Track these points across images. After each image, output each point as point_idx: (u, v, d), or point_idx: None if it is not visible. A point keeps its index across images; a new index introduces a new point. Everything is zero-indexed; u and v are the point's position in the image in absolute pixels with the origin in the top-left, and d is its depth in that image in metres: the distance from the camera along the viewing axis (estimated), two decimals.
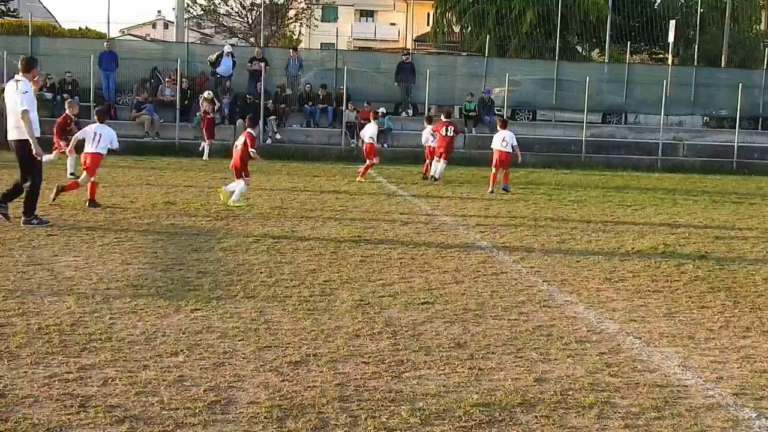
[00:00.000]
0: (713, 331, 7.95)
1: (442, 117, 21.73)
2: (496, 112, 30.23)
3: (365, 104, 28.51)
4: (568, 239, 12.97)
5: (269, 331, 7.27)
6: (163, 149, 25.24)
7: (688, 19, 42.62)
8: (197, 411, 5.43)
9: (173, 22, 46.60)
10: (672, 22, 36.45)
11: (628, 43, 37.35)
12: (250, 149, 15.17)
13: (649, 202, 18.14)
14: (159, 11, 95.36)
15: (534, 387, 6.18)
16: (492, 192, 18.69)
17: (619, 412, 5.75)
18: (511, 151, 19.15)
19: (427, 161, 21.23)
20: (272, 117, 27.52)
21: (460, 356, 6.82)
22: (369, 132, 20.93)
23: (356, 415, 5.50)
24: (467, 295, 8.94)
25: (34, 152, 11.85)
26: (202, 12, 54.91)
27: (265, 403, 5.62)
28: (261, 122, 26.49)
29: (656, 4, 47.46)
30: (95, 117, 15.53)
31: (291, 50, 31.56)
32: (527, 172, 23.42)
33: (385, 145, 27.50)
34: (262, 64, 28.16)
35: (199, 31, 57.87)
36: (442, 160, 20.58)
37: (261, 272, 9.63)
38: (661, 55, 47.25)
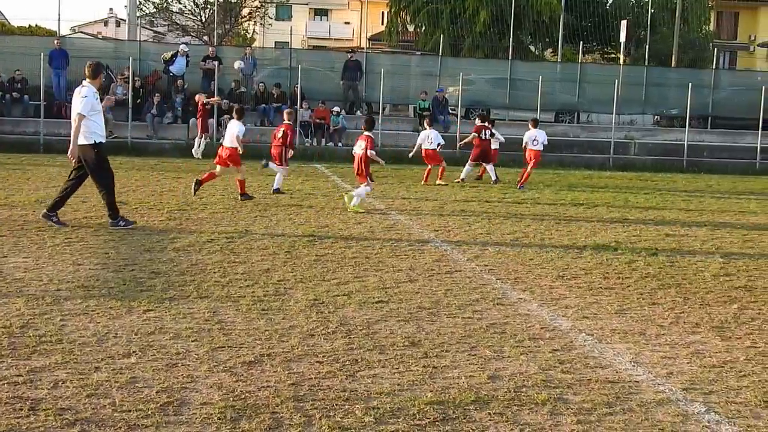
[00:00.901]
0: (664, 327, 8.06)
1: (478, 121, 21.80)
2: (451, 111, 30.38)
3: (320, 103, 28.46)
4: (522, 237, 13.06)
5: (223, 332, 7.23)
6: (115, 148, 24.91)
7: (639, 20, 43.08)
8: (149, 413, 5.38)
9: (125, 20, 46.15)
10: (623, 22, 36.79)
11: (581, 42, 37.70)
12: (369, 151, 15.35)
13: (601, 200, 18.32)
14: (111, 9, 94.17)
15: (487, 384, 6.21)
16: (522, 188, 19.78)
17: (572, 408, 5.81)
18: (541, 149, 20.64)
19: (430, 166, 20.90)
20: (226, 116, 27.32)
21: (415, 354, 6.84)
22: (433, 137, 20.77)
23: (310, 415, 5.49)
24: (421, 294, 8.96)
25: (68, 154, 12.16)
26: (154, 10, 54.34)
27: (218, 403, 5.59)
28: (215, 121, 26.33)
29: (608, 5, 47.90)
30: (234, 114, 16.49)
31: (245, 48, 31.41)
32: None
33: (340, 144, 27.47)
34: (216, 63, 27.98)
35: (151, 29, 57.28)
36: (470, 163, 21.15)
37: (214, 272, 9.57)
38: (613, 55, 47.70)
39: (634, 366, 6.82)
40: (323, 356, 6.68)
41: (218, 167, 16.01)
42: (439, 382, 6.22)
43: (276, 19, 62.46)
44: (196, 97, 25.67)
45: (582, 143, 30.47)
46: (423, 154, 20.66)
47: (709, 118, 33.60)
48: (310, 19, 77.43)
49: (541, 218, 15.16)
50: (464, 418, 5.56)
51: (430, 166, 20.57)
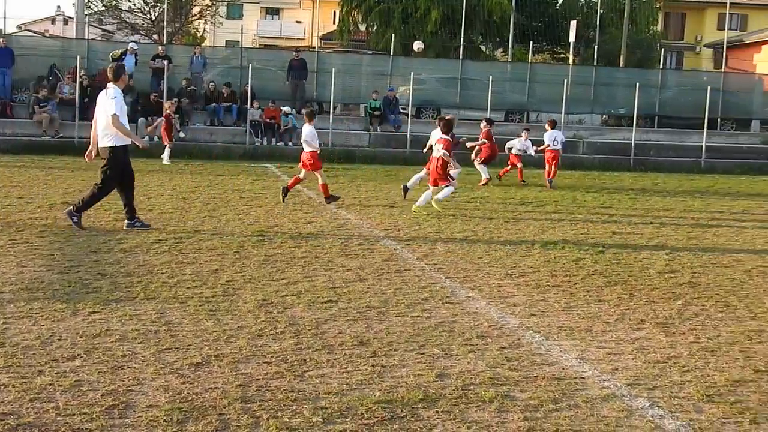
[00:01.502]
0: (609, 324, 8.15)
1: (484, 124, 21.88)
2: (401, 111, 30.44)
3: (270, 103, 28.35)
4: (471, 236, 13.13)
5: (170, 333, 7.17)
6: (61, 148, 24.59)
7: (588, 20, 43.55)
8: (94, 416, 5.33)
9: (73, 18, 45.49)
10: (573, 23, 37.17)
11: (531, 42, 37.97)
12: (443, 152, 15.48)
13: (549, 199, 18.47)
14: (58, 7, 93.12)
15: (435, 383, 6.24)
16: (551, 183, 20.91)
17: (519, 406, 5.85)
18: (560, 148, 21.70)
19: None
20: (176, 115, 27.10)
21: (363, 354, 6.85)
22: None
23: (258, 416, 5.47)
24: (371, 293, 8.97)
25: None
26: (103, 8, 53.76)
27: (164, 406, 5.55)
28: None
29: (558, 5, 48.34)
30: (305, 118, 16.69)
31: (195, 47, 31.17)
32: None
33: (290, 143, 27.40)
34: (165, 62, 27.74)
35: (100, 28, 56.72)
36: (481, 165, 21.05)
37: (162, 273, 9.49)
38: (563, 55, 48.17)
39: (580, 362, 6.90)
40: (271, 357, 6.66)
41: (303, 171, 16.47)
42: (388, 381, 6.24)
43: (227, 18, 62.07)
44: (166, 106, 25.26)
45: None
46: (550, 155, 21.48)
47: (656, 118, 34.05)
48: (262, 17, 77.05)
49: (491, 217, 15.25)
50: (412, 417, 5.58)
51: (548, 167, 21.34)
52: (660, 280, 10.33)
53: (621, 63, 41.84)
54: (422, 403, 5.83)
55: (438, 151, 15.74)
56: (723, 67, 43.27)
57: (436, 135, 18.50)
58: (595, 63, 37.93)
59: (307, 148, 16.32)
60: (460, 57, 34.82)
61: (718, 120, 33.83)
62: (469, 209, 16.26)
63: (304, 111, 17.63)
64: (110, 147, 12.04)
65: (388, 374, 6.39)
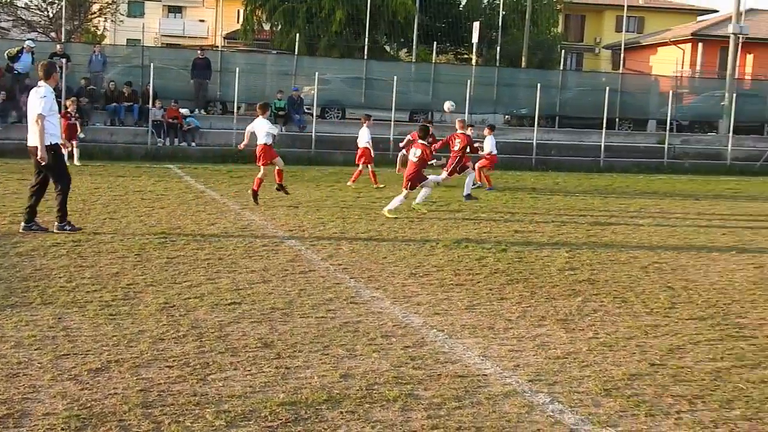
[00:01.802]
0: (511, 321, 8.28)
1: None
2: (306, 111, 30.36)
3: (173, 102, 27.94)
4: (376, 236, 13.17)
5: (68, 339, 7.01)
6: None
7: (491, 21, 44.11)
8: None
9: None
10: (476, 24, 37.60)
11: (435, 43, 38.31)
12: (432, 161, 15.95)
13: (453, 199, 18.66)
14: None
15: (340, 383, 6.24)
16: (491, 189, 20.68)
17: (422, 404, 5.90)
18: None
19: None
20: (77, 115, 26.46)
21: (267, 356, 6.81)
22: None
23: (159, 421, 5.39)
24: (275, 294, 8.93)
25: (39, 156, 11.73)
26: None
27: (62, 413, 5.42)
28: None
29: (461, 6, 48.84)
30: (257, 110, 16.73)
31: (95, 46, 30.52)
32: (337, 170, 23.60)
33: (193, 144, 27.07)
34: (64, 60, 27.07)
35: None
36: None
37: (60, 277, 9.27)
38: (466, 56, 48.67)
39: (482, 360, 6.99)
40: (173, 361, 6.57)
41: (261, 169, 16.44)
42: (292, 382, 6.22)
43: (128, 16, 60.83)
44: (66, 104, 24.53)
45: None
46: (492, 161, 21.63)
47: (557, 118, 34.71)
48: (164, 16, 75.83)
49: (395, 217, 15.32)
50: (316, 418, 5.57)
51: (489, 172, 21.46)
52: (560, 278, 10.54)
53: (523, 64, 42.51)
54: (326, 403, 5.83)
55: (415, 156, 15.82)
56: (621, 68, 44.37)
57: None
58: (497, 64, 38.45)
59: (259, 141, 16.31)
60: (365, 57, 34.90)
61: (617, 120, 34.66)
62: (375, 209, 16.31)
63: (258, 104, 17.60)
64: (49, 145, 11.75)
65: (293, 376, 6.37)
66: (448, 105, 22.03)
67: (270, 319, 7.95)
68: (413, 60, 40.71)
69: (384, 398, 5.97)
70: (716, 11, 63.97)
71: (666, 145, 32.38)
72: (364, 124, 21.02)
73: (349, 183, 20.38)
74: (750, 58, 49.46)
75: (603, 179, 25.98)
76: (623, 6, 45.83)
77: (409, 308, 8.65)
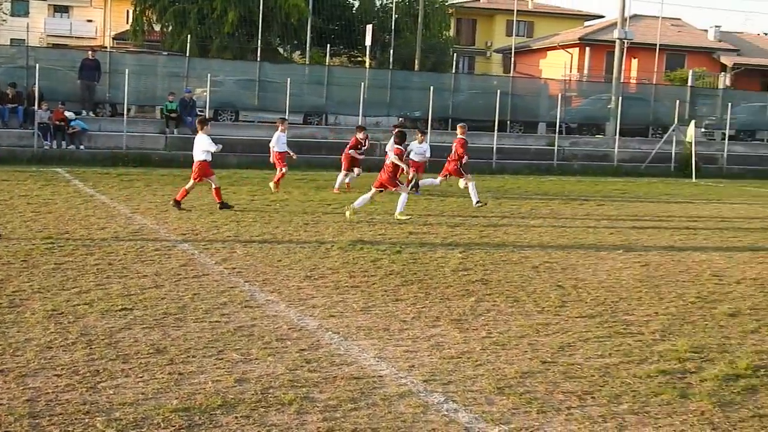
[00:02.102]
0: (406, 322, 8.34)
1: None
2: (198, 113, 29.96)
3: (59, 104, 27.20)
4: (271, 239, 13.09)
5: None
6: None
7: (384, 24, 44.41)
8: None
9: None
10: (369, 27, 37.81)
11: (328, 45, 38.32)
12: (393, 157, 15.98)
13: (348, 201, 18.64)
14: None
15: (235, 388, 6.18)
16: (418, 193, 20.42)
17: (318, 406, 5.89)
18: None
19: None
20: None
21: (160, 362, 6.69)
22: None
23: (47, 431, 5.24)
24: (168, 299, 8.78)
25: None
26: None
27: None
28: None
29: (354, 9, 49.01)
30: (197, 125, 16.62)
31: None
32: (231, 173, 23.35)
33: (81, 147, 26.42)
34: None
35: None
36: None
37: None
38: (360, 58, 48.89)
39: (378, 361, 7.01)
40: (62, 369, 6.40)
41: (191, 181, 16.18)
42: (186, 388, 6.12)
43: (11, 15, 59.08)
44: None
45: (330, 145, 30.83)
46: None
47: (450, 120, 35.10)
48: (50, 15, 73.78)
49: (290, 219, 15.27)
50: (211, 424, 5.50)
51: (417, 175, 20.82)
52: (454, 278, 10.66)
53: (416, 67, 42.90)
54: (221, 409, 5.76)
55: (390, 158, 16.12)
56: (511, 71, 45.22)
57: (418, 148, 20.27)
58: (390, 66, 38.71)
59: (196, 157, 16.09)
60: (258, 59, 34.68)
61: (508, 122, 35.26)
62: (269, 212, 16.22)
63: (197, 119, 17.43)
64: None
65: (186, 381, 6.27)
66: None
67: (162, 324, 7.81)
68: (307, 62, 40.69)
69: (279, 402, 5.94)
70: (602, 17, 65.84)
71: (556, 147, 33.12)
72: (279, 128, 20.74)
73: (271, 185, 20.05)
74: (635, 62, 51.06)
75: (495, 181, 26.39)
76: (513, 11, 46.71)
77: (304, 311, 8.62)
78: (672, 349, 7.73)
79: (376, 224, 15.25)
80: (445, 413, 5.91)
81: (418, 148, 21.18)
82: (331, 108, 34.39)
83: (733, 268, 12.33)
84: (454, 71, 38.75)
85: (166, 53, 38.67)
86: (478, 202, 18.52)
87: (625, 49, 38.43)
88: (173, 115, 29.16)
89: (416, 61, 43.39)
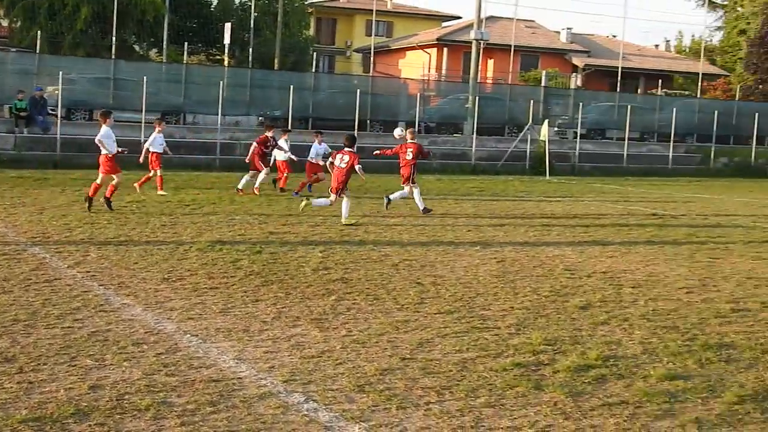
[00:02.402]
0: (267, 323, 8.28)
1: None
2: (50, 112, 29.02)
3: None
4: (126, 241, 12.79)
5: None
6: None
7: (243, 23, 43.99)
8: None
9: None
10: (227, 25, 37.39)
11: (186, 43, 37.70)
12: (356, 166, 16.15)
13: (207, 201, 18.44)
14: None
15: (88, 395, 6.00)
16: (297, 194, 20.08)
17: (176, 411, 5.78)
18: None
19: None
20: None
21: (9, 371, 6.43)
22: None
23: None
24: (17, 306, 8.45)
25: None
26: None
27: None
28: None
29: (212, 7, 48.39)
30: (100, 118, 16.50)
31: None
32: (85, 173, 22.66)
33: None
34: None
35: None
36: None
37: None
38: (218, 57, 48.30)
39: (237, 363, 6.94)
40: None
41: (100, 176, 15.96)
42: (36, 397, 5.91)
43: None
44: None
45: (188, 144, 30.37)
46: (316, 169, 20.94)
47: (310, 120, 35.09)
48: None
49: (147, 221, 14.95)
50: None
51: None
52: (315, 278, 10.66)
53: (276, 66, 42.69)
54: (74, 417, 5.58)
55: (343, 163, 16.19)
56: (371, 71, 45.56)
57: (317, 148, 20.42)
58: (250, 65, 38.39)
59: (103, 150, 15.85)
60: (113, 56, 33.79)
61: (368, 121, 35.51)
62: (124, 213, 15.84)
63: (99, 112, 16.97)
64: None
65: (37, 390, 6.05)
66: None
67: (11, 331, 7.51)
68: (164, 60, 39.88)
69: (135, 408, 5.80)
70: (459, 18, 67.00)
71: None
72: (156, 129, 20.05)
73: (160, 192, 19.46)
74: (491, 62, 52.27)
75: (356, 180, 26.44)
76: (372, 10, 47.07)
77: (161, 314, 8.45)
78: (527, 342, 7.95)
79: (235, 224, 15.09)
80: (306, 413, 5.90)
81: (320, 149, 21.18)
82: (189, 107, 33.85)
83: (584, 262, 12.77)
84: (314, 70, 38.71)
85: (14, 50, 37.23)
86: (425, 209, 18.37)
87: (481, 50, 39.25)
88: (23, 114, 28.13)
89: (276, 60, 43.18)
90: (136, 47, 46.55)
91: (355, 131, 31.78)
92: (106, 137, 15.75)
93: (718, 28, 67.64)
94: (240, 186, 20.39)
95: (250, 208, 17.62)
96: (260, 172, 20.73)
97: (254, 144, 20.99)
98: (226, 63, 40.61)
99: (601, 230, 16.69)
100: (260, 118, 36.33)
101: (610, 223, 18.03)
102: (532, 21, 61.19)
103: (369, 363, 7.10)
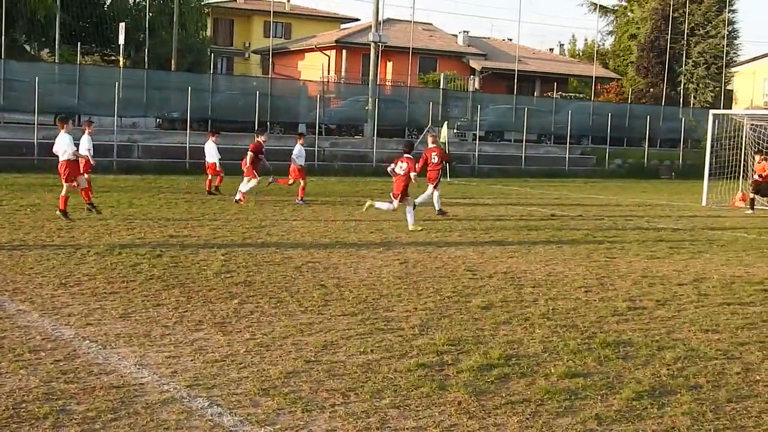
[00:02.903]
0: (168, 328, 8.15)
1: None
2: None
3: None
4: (21, 245, 12.43)
5: None
6: None
7: (138, 23, 43.16)
8: None
9: None
10: (122, 25, 36.68)
11: (79, 43, 36.81)
12: (411, 174, 16.37)
13: (105, 204, 18.04)
14: None
15: None
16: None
17: (75, 419, 5.64)
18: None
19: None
20: None
21: None
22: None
23: None
24: None
25: None
26: None
27: None
28: None
29: (106, 6, 47.35)
30: (58, 124, 16.11)
31: None
32: None
33: None
34: None
35: None
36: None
37: None
38: (114, 57, 47.32)
39: (139, 369, 6.81)
40: None
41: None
42: None
43: None
44: None
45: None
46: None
47: (209, 121, 34.68)
48: None
49: (42, 225, 14.57)
50: None
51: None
52: (217, 281, 10.54)
53: (173, 67, 42.05)
54: None
55: (401, 170, 16.53)
56: (270, 72, 45.28)
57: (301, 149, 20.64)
58: (146, 66, 37.71)
59: (61, 157, 15.55)
60: (2, 56, 32.75)
61: (268, 123, 35.27)
62: (18, 217, 15.39)
63: (57, 117, 16.26)
64: None
65: None
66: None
67: None
68: (56, 60, 38.84)
69: (33, 416, 5.64)
70: (358, 20, 67.14)
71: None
72: (86, 131, 18.93)
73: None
74: (390, 65, 52.57)
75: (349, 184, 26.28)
76: (270, 12, 46.81)
77: (59, 320, 8.24)
78: (430, 342, 8.01)
79: (135, 228, 14.81)
80: (210, 418, 5.82)
81: (301, 151, 21.21)
82: (84, 108, 33.00)
83: (485, 263, 12.94)
84: (212, 72, 38.22)
85: None
86: (440, 211, 19.11)
87: (380, 53, 39.43)
88: None
89: (173, 61, 42.53)
90: (27, 47, 45.23)
91: (255, 133, 31.52)
92: (70, 144, 15.40)
93: (610, 33, 69.45)
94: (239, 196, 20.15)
95: (150, 211, 17.32)
96: (254, 177, 20.46)
97: (249, 153, 20.59)
98: (121, 64, 39.81)
99: (502, 231, 16.95)
100: (158, 119, 35.77)
101: (511, 224, 18.33)
102: (430, 24, 61.79)
103: (273, 366, 7.05)
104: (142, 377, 6.59)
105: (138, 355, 7.20)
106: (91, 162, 17.66)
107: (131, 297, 9.41)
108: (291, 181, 21.18)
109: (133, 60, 43.19)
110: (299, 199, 20.50)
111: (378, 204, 17.20)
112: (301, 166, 20.93)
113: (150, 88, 34.00)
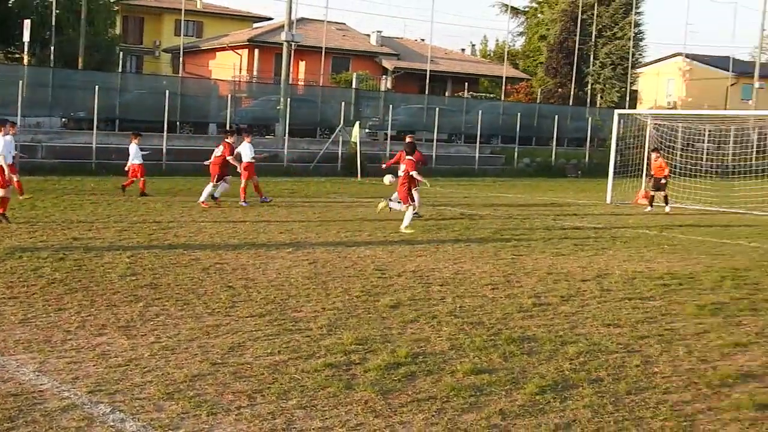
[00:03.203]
0: (70, 332, 7.99)
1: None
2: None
3: None
4: None
5: None
6: None
7: (44, 20, 42.14)
8: None
9: None
10: (27, 22, 35.78)
11: None
12: (412, 172, 16.80)
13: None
14: None
15: None
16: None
17: None
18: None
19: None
20: None
21: None
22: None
23: None
24: None
25: None
26: None
27: None
28: None
29: (10, 3, 46.12)
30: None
31: None
32: None
33: None
34: None
35: None
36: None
37: None
38: (17, 55, 46.11)
39: (38, 375, 6.66)
40: None
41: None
42: None
43: None
44: None
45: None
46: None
47: (117, 121, 34.08)
48: None
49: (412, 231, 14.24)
50: None
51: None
52: (122, 284, 10.36)
53: (80, 65, 41.20)
54: None
55: (402, 172, 17.04)
56: (181, 71, 44.73)
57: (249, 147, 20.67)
58: (52, 64, 36.86)
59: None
60: None
61: (178, 123, 34.84)
62: None
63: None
64: None
65: None
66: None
67: None
68: None
69: None
70: (271, 19, 66.74)
71: None
72: (6, 132, 17.84)
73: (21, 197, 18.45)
74: (303, 64, 52.43)
75: (166, 182, 25.97)
76: (181, 10, 46.23)
77: None
78: (338, 342, 8.02)
79: (36, 230, 14.47)
80: (112, 424, 5.73)
81: (251, 149, 21.18)
82: None
83: (394, 262, 13.01)
84: (120, 70, 37.60)
85: None
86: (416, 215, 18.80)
87: (292, 52, 39.29)
88: None
89: (80, 59, 41.65)
90: None
91: (165, 133, 31.14)
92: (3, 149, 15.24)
93: (521, 34, 70.56)
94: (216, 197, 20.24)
95: (53, 213, 16.93)
96: (219, 183, 20.31)
97: (227, 156, 20.44)
98: (25, 62, 38.84)
99: (409, 229, 17.04)
100: (63, 119, 35.00)
101: (420, 223, 18.43)
102: (343, 24, 61.83)
103: (178, 369, 6.97)
104: (41, 384, 6.45)
105: (38, 361, 7.04)
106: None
107: (32, 302, 9.19)
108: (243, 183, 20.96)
109: (38, 58, 42.16)
110: (243, 200, 20.62)
111: (392, 204, 17.47)
112: (250, 163, 21.00)
113: (55, 86, 33.24)
